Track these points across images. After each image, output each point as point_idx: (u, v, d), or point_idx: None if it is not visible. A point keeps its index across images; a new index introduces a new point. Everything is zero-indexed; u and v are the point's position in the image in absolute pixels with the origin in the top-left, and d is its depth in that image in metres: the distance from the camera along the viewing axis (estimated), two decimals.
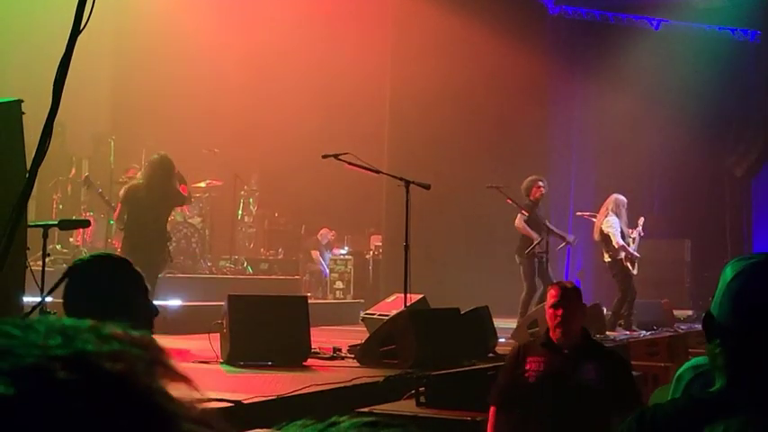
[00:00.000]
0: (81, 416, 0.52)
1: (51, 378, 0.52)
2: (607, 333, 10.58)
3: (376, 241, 15.93)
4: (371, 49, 15.37)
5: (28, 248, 5.37)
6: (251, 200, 14.80)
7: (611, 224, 11.32)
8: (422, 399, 5.41)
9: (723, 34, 16.86)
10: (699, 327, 12.16)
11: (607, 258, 11.50)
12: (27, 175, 3.44)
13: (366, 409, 5.17)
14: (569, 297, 4.97)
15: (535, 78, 15.99)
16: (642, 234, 11.92)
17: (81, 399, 0.52)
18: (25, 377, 0.52)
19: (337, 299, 14.56)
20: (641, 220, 12.01)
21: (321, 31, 15.28)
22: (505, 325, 9.91)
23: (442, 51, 15.09)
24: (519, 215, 11.20)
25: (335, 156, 8.81)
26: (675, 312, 12.69)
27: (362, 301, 13.52)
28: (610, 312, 11.37)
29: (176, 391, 0.57)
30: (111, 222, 11.62)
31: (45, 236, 5.54)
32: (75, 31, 3.16)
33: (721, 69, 16.07)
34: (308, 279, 15.20)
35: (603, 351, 5.14)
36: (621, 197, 11.65)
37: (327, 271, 15.28)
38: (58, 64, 3.12)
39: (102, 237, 12.40)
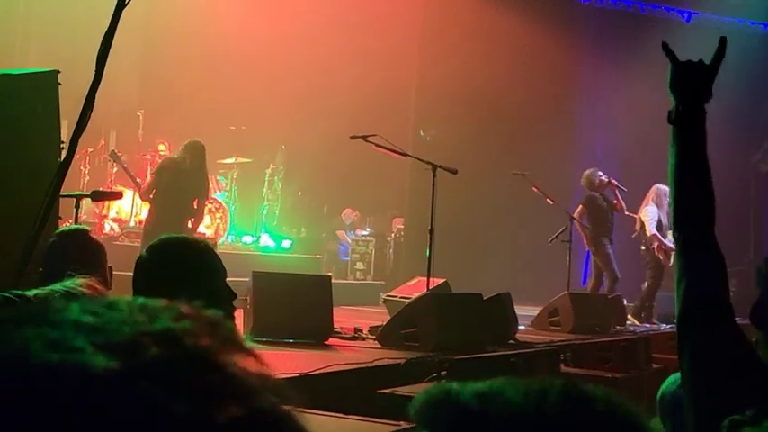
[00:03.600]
0: (174, 389, 0.54)
1: (145, 353, 0.55)
2: (628, 324, 10.57)
3: (398, 224, 15.96)
4: (400, 31, 15.34)
5: (60, 218, 5.43)
6: (276, 178, 14.84)
7: (647, 213, 11.37)
8: (443, 382, 5.43)
9: (755, 29, 16.72)
10: None
11: (642, 248, 11.51)
12: (65, 146, 3.48)
13: (388, 391, 5.20)
14: None
15: (564, 67, 15.92)
16: None
17: (173, 372, 0.55)
18: (123, 352, 0.55)
19: (358, 279, 14.61)
20: None
21: (349, 12, 15.25)
22: (525, 312, 9.92)
23: (471, 37, 15.04)
24: (580, 207, 11.29)
25: (363, 137, 8.83)
26: None
27: (383, 282, 13.58)
28: (632, 304, 11.37)
29: (249, 366, 0.60)
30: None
31: (77, 206, 5.60)
32: (120, 5, 3.19)
33: (751, 65, 15.93)
34: (327, 258, 15.23)
35: None
36: (664, 187, 11.60)
37: (347, 252, 15.32)
38: (102, 37, 3.15)
39: (128, 209, 12.50)
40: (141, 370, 0.54)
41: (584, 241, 11.41)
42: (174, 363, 0.55)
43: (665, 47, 2.27)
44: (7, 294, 2.04)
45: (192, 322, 0.59)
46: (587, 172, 11.60)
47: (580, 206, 11.39)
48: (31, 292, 2.07)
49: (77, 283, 2.09)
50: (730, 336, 2.03)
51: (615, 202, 11.52)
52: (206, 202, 10.01)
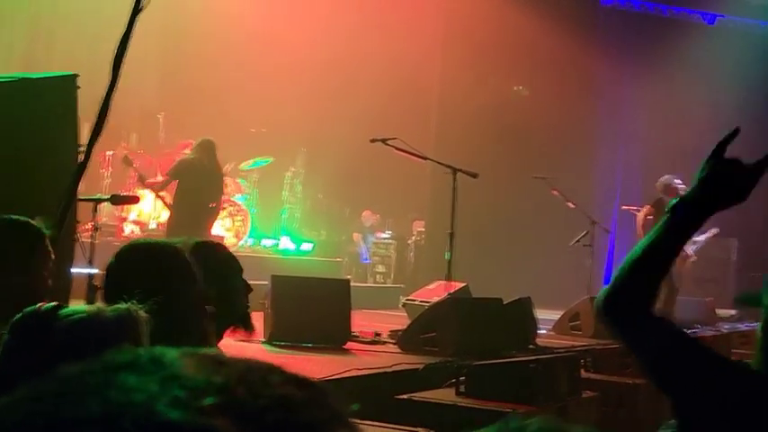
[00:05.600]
0: None
1: (267, 419, 0.55)
2: None
3: (418, 227, 15.92)
4: (422, 36, 15.31)
5: (78, 221, 5.43)
6: (296, 181, 14.85)
7: None
8: (462, 388, 5.39)
9: None
10: (742, 327, 11.97)
11: None
12: (84, 149, 3.47)
13: (405, 396, 5.17)
14: None
15: (585, 70, 15.84)
16: (703, 240, 11.89)
17: None
18: (245, 417, 0.54)
19: (378, 283, 14.57)
20: (714, 230, 11.96)
21: (371, 16, 15.23)
22: (546, 316, 9.85)
23: (492, 40, 15.00)
24: (647, 207, 11.15)
25: (384, 140, 8.81)
26: (718, 312, 12.55)
27: (403, 286, 13.53)
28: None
29: None
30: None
31: (95, 209, 5.60)
32: (136, 10, 3.18)
33: None
34: (347, 261, 15.20)
35: None
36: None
37: (367, 255, 15.29)
38: (118, 41, 3.15)
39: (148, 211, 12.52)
40: None
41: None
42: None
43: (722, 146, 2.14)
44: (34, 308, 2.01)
45: (303, 390, 0.58)
46: (665, 178, 11.43)
47: (647, 206, 11.23)
48: (64, 311, 2.04)
49: (119, 309, 2.05)
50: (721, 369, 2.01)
51: None
52: (222, 200, 10.07)
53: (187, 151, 12.82)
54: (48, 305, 2.02)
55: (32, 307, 2.02)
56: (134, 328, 2.01)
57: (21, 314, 2.00)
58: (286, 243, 14.40)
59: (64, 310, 2.01)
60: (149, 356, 0.57)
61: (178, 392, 0.53)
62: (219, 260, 3.28)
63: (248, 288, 3.31)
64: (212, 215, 9.64)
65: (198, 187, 9.28)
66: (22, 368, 1.89)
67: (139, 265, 2.77)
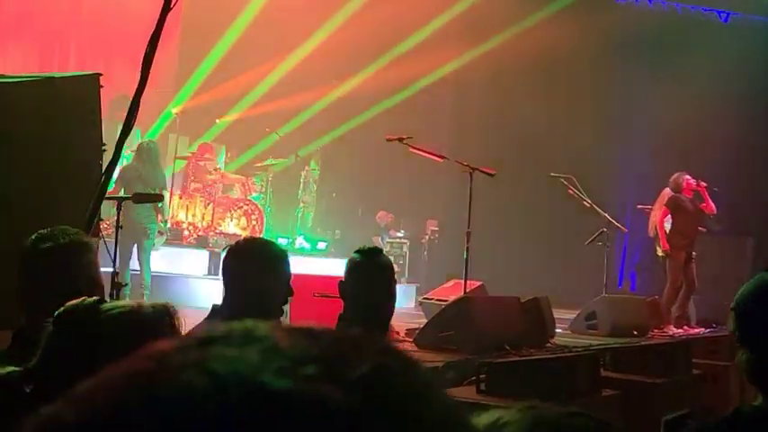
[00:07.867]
0: (405, 426, 0.55)
1: (375, 388, 0.55)
2: (670, 328, 10.41)
3: (431, 225, 15.92)
4: (436, 34, 15.32)
5: (101, 219, 5.46)
6: (311, 180, 14.87)
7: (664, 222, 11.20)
8: (483, 386, 5.38)
9: None
10: None
11: (659, 252, 11.31)
12: (107, 148, 3.48)
13: None
14: None
15: (599, 68, 15.81)
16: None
17: (403, 409, 0.56)
18: (352, 385, 0.54)
19: None
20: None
21: (387, 18, 15.23)
22: (561, 316, 9.83)
23: (506, 39, 15.00)
24: (662, 209, 11.13)
25: (400, 139, 8.81)
26: None
27: (418, 284, 13.54)
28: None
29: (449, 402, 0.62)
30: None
31: (119, 208, 5.63)
32: (166, 8, 3.19)
33: None
34: None
35: None
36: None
37: None
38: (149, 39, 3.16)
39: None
40: (376, 407, 0.53)
41: (660, 243, 11.13)
42: (399, 400, 0.55)
43: None
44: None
45: (396, 359, 0.58)
46: (675, 176, 11.46)
47: (663, 208, 11.24)
48: (105, 306, 2.08)
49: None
50: None
51: (704, 204, 11.41)
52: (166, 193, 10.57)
53: (207, 156, 12.99)
54: (90, 299, 2.06)
55: (75, 301, 2.05)
56: (171, 321, 2.05)
57: (63, 308, 2.03)
58: (301, 242, 14.42)
59: (105, 305, 2.05)
60: (242, 329, 0.56)
61: (281, 362, 0.53)
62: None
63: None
64: (161, 210, 10.13)
65: (139, 189, 9.64)
66: (65, 360, 1.93)
67: (54, 260, 2.90)
